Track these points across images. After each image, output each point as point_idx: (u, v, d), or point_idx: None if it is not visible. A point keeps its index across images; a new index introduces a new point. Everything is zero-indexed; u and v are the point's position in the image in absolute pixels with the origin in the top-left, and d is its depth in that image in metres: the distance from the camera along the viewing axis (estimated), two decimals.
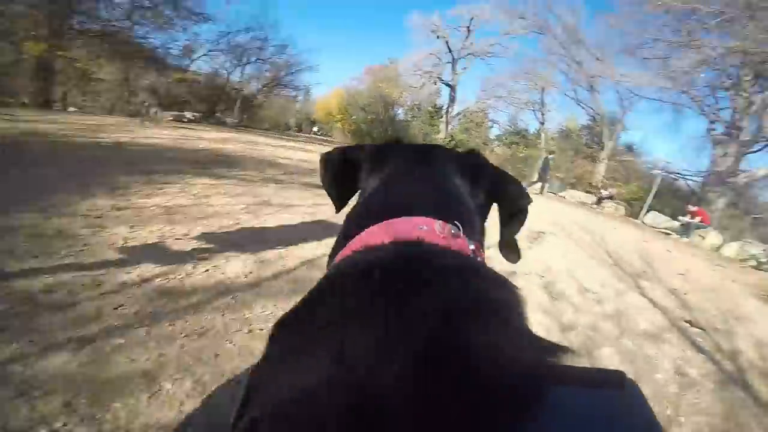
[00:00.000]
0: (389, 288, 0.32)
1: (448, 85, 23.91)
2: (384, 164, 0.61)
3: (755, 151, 16.23)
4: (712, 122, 17.61)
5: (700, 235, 10.54)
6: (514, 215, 0.60)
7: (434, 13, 22.92)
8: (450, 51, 23.30)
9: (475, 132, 24.78)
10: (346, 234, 0.49)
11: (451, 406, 0.23)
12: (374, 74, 27.78)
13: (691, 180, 17.70)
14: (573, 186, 17.42)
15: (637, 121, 20.94)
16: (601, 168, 18.33)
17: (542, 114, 21.28)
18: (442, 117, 24.48)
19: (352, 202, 0.64)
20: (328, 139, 32.68)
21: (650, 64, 17.37)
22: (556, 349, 0.29)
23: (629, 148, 20.50)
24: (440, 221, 0.44)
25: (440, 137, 22.57)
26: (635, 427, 0.26)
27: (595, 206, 13.99)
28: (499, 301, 0.34)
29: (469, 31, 22.67)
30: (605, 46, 18.77)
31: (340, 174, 0.66)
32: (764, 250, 8.66)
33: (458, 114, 24.92)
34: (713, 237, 10.54)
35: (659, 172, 15.98)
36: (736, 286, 5.02)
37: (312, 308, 0.35)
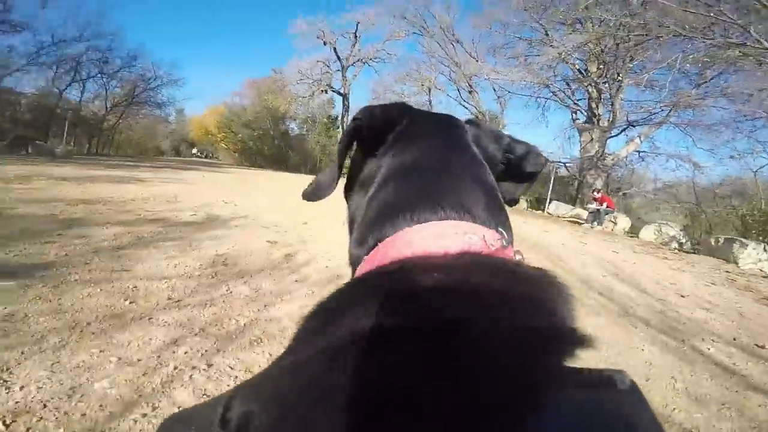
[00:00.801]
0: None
1: (339, 93, 22.67)
2: (409, 136, 0.48)
3: (614, 135, 17.61)
4: (574, 112, 18.70)
5: (611, 221, 10.33)
6: (528, 178, 0.54)
7: (320, 18, 21.59)
8: (339, 58, 22.08)
9: None
10: (373, 224, 0.40)
11: (438, 409, 0.22)
12: (258, 87, 25.19)
13: (571, 166, 18.60)
14: None
15: (514, 117, 21.95)
16: None
17: None
18: (338, 128, 23.09)
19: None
20: (211, 161, 28.26)
21: (515, 62, 18.01)
22: (574, 341, 0.28)
23: None
24: (489, 230, 0.38)
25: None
26: (635, 428, 0.25)
27: None
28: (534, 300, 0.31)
29: (356, 37, 21.79)
30: (479, 46, 18.98)
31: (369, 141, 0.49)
32: (681, 230, 8.42)
33: None
34: (623, 221, 10.45)
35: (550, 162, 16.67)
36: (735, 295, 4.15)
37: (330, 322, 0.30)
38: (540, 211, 13.25)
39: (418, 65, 19.91)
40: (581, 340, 0.27)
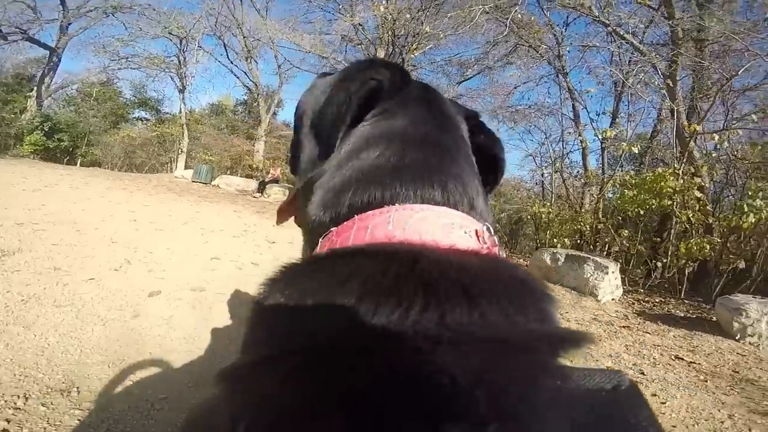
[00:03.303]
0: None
1: (46, 47, 16.14)
2: (400, 103, 0.42)
3: None
4: None
5: None
6: (497, 171, 0.50)
7: None
8: (64, 4, 15.48)
9: (95, 108, 15.68)
10: (351, 187, 0.34)
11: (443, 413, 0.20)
12: None
13: None
14: (231, 170, 13.03)
15: (293, 94, 18.91)
16: (260, 146, 14.88)
17: (182, 79, 14.56)
18: (31, 90, 16.33)
19: None
20: None
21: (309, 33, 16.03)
22: (570, 339, 0.27)
23: (287, 125, 18.63)
24: (483, 226, 0.34)
25: (26, 117, 15.25)
26: (636, 427, 0.25)
27: (258, 195, 9.38)
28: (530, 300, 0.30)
29: None
30: (272, 8, 16.61)
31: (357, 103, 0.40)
32: None
33: (62, 87, 17.61)
34: None
35: None
36: None
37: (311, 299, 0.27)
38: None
39: (174, 14, 14.81)
40: (580, 341, 0.27)
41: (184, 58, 14.76)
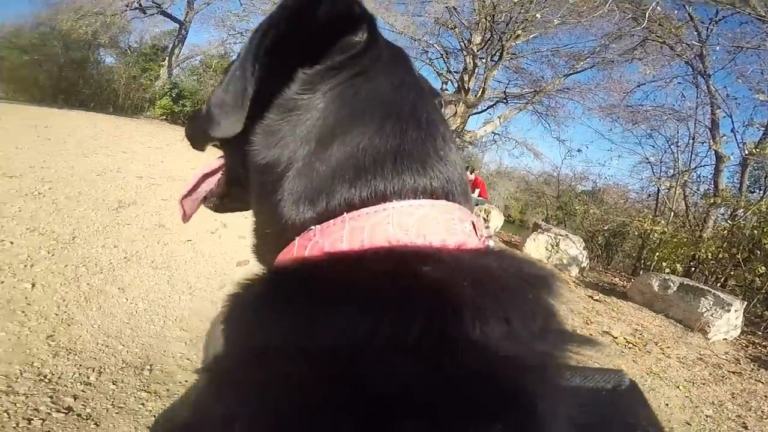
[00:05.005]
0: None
1: (175, 20, 17.24)
2: (374, 58, 0.34)
3: (479, 112, 15.82)
4: (444, 83, 16.41)
5: (483, 217, 6.61)
6: None
7: None
8: None
9: (213, 78, 17.10)
10: (341, 179, 0.29)
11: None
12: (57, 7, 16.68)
13: None
14: None
15: None
16: None
17: None
18: (164, 61, 17.55)
19: None
20: None
21: (403, 9, 14.17)
22: (574, 342, 0.27)
23: None
24: (476, 218, 0.32)
25: (159, 84, 16.51)
26: (635, 427, 0.25)
27: None
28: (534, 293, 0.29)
29: None
30: None
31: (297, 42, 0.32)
32: (583, 248, 5.22)
33: (188, 58, 18.97)
34: (496, 218, 6.99)
35: None
36: None
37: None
38: None
39: None
40: (585, 341, 0.26)
41: None
